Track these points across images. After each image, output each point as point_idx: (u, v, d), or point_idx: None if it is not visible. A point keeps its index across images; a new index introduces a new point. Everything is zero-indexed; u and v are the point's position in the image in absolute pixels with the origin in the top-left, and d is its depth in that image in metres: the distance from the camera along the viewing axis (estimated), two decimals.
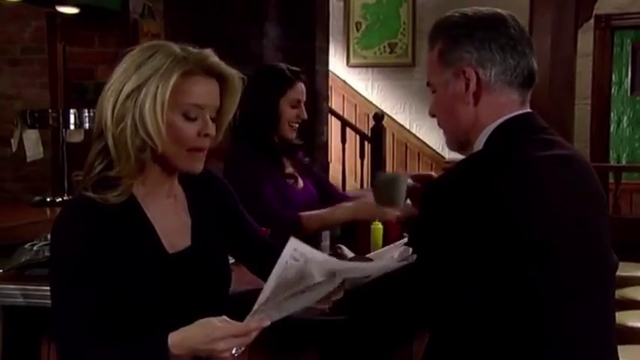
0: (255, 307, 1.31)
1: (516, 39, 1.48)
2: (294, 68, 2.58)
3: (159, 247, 1.47)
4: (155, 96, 1.39)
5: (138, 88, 1.39)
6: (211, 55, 1.47)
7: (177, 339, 1.34)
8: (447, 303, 1.41)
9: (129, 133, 1.39)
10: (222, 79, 1.48)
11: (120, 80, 1.42)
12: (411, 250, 1.39)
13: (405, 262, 1.37)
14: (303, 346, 1.88)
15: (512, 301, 1.36)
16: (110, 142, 1.41)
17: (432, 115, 1.58)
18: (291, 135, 2.54)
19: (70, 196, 3.59)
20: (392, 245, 1.71)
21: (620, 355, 1.53)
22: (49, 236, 2.05)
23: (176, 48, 1.45)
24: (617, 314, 1.61)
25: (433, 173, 1.92)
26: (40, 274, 1.95)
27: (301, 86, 2.55)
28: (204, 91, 1.45)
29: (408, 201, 1.89)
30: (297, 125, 2.54)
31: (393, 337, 1.89)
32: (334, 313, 1.61)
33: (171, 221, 1.50)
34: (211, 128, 1.46)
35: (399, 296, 1.48)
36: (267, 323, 1.33)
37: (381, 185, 1.97)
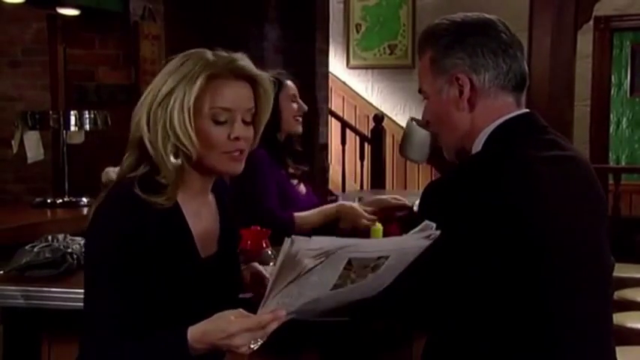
0: (264, 300, 1.31)
1: (507, 43, 1.49)
2: (280, 71, 2.76)
3: (194, 252, 1.49)
4: (182, 101, 1.40)
5: (168, 95, 1.41)
6: (240, 58, 1.47)
7: (198, 334, 1.34)
8: (446, 303, 1.41)
9: (160, 139, 1.41)
10: (253, 82, 1.49)
11: (155, 87, 1.44)
12: (434, 225, 1.31)
13: (427, 239, 1.31)
14: (303, 346, 1.89)
15: (512, 301, 1.37)
16: (149, 147, 1.42)
17: (426, 122, 1.58)
18: (298, 128, 2.69)
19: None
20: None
21: (618, 356, 1.53)
22: (50, 237, 2.07)
23: (208, 54, 1.46)
24: (616, 315, 1.61)
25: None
26: (40, 276, 1.96)
27: (291, 83, 2.69)
28: (232, 94, 1.45)
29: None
30: (300, 118, 2.69)
31: (393, 338, 1.89)
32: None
33: (204, 227, 1.52)
34: (241, 130, 1.46)
35: (399, 296, 1.49)
36: (283, 314, 1.31)
37: (413, 135, 2.03)
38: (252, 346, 1.34)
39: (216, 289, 1.51)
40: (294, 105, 2.67)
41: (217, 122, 1.44)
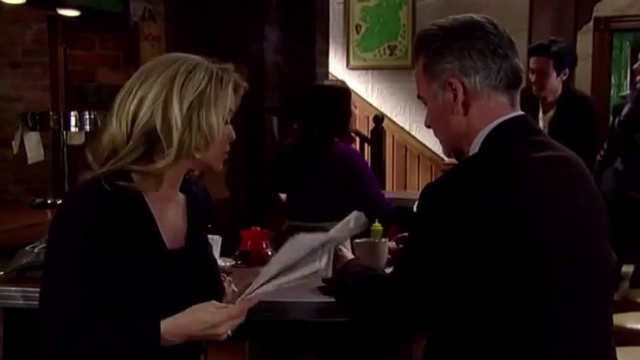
0: (250, 290, 1.48)
1: (496, 42, 1.49)
2: (343, 80, 3.80)
3: (160, 241, 1.54)
4: (217, 103, 1.53)
5: (200, 95, 1.51)
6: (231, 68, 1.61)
7: (172, 327, 1.44)
8: (445, 304, 1.41)
9: (194, 136, 1.51)
10: (235, 90, 1.60)
11: (173, 87, 1.51)
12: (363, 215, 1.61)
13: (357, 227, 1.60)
14: (303, 347, 1.89)
15: (511, 302, 1.37)
16: (175, 142, 1.50)
17: (428, 126, 1.61)
18: (354, 128, 3.58)
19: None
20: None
21: (619, 356, 1.54)
22: None
23: (201, 59, 1.57)
24: (616, 316, 1.61)
25: None
26: (40, 276, 1.95)
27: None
28: (233, 99, 1.59)
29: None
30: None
31: (392, 338, 1.89)
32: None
33: (170, 222, 1.58)
34: (234, 133, 1.61)
35: (398, 297, 1.49)
36: (255, 301, 1.49)
37: (362, 251, 2.08)
38: (229, 333, 1.50)
39: (184, 284, 1.55)
40: (355, 110, 3.54)
41: (226, 123, 1.57)
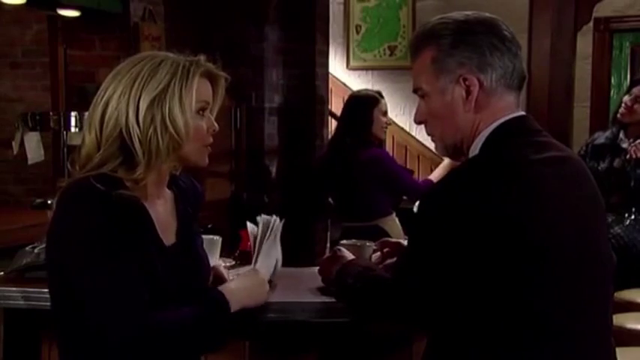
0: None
1: (510, 40, 1.48)
2: (377, 90, 3.95)
3: (158, 239, 1.54)
4: (181, 97, 1.49)
5: (162, 92, 1.48)
6: (203, 60, 1.57)
7: (227, 293, 1.55)
8: (445, 304, 1.41)
9: (160, 134, 1.48)
10: (212, 81, 1.58)
11: (134, 86, 1.48)
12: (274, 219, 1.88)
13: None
14: (303, 347, 1.89)
15: (512, 302, 1.37)
16: (137, 145, 1.47)
17: (419, 123, 1.55)
18: (383, 135, 3.84)
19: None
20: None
21: (619, 356, 1.54)
22: None
23: (174, 54, 1.55)
24: (616, 316, 1.61)
25: (402, 241, 1.97)
26: (40, 277, 1.95)
27: (384, 101, 3.81)
28: (207, 90, 1.56)
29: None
30: (386, 129, 3.85)
31: (391, 339, 1.89)
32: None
33: (160, 217, 1.58)
34: (216, 124, 1.57)
35: (398, 298, 1.49)
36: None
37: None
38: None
39: (181, 278, 1.55)
40: (384, 118, 3.77)
41: (201, 115, 1.54)
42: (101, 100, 1.51)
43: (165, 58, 1.52)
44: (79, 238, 1.43)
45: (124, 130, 1.47)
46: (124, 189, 1.47)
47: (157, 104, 1.47)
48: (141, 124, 1.47)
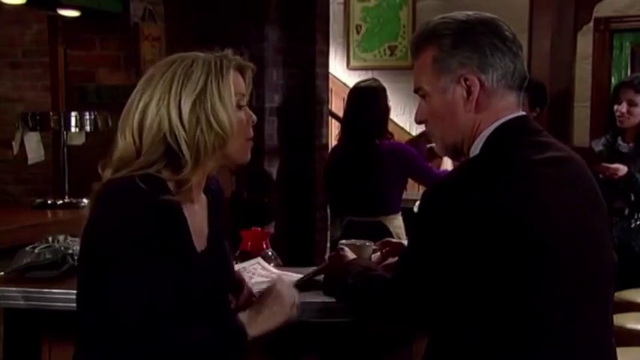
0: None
1: (511, 41, 1.48)
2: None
3: (192, 245, 1.53)
4: (221, 95, 1.50)
5: (202, 92, 1.49)
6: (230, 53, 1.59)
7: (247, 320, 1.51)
8: (446, 304, 1.41)
9: (206, 134, 1.49)
10: (242, 73, 1.59)
11: (171, 90, 1.49)
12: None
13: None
14: (303, 347, 1.89)
15: (512, 302, 1.37)
16: (184, 147, 1.47)
17: (420, 122, 1.55)
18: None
19: (71, 199, 3.60)
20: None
21: (619, 356, 1.54)
22: (50, 238, 2.07)
23: (201, 54, 1.55)
24: (616, 316, 1.61)
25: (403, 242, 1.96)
26: (40, 277, 1.96)
27: None
28: (241, 83, 1.57)
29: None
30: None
31: (391, 339, 1.89)
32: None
33: (196, 222, 1.56)
34: (254, 115, 1.58)
35: (399, 298, 1.49)
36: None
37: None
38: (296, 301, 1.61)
39: (208, 284, 1.55)
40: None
41: (240, 107, 1.54)
42: (137, 106, 1.50)
43: (196, 58, 1.52)
44: (124, 238, 1.42)
45: (168, 135, 1.47)
46: (167, 191, 1.47)
47: (199, 105, 1.48)
48: (186, 127, 1.47)
